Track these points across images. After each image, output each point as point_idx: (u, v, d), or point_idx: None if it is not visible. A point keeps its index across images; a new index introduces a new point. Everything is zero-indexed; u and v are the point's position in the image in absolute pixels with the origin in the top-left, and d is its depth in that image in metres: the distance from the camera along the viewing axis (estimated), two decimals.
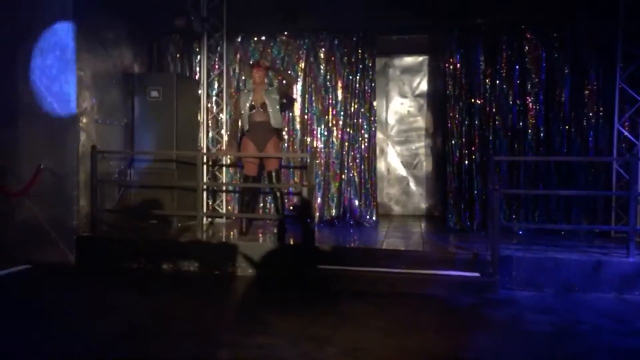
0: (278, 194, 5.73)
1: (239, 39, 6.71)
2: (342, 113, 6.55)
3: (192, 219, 6.17)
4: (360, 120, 6.52)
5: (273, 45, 6.66)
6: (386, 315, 3.91)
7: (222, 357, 3.15)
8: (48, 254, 5.40)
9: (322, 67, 6.58)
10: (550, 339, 3.47)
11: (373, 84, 6.54)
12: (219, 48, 6.63)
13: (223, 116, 6.65)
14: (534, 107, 6.07)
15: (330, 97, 6.57)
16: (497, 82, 6.13)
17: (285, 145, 6.67)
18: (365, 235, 5.94)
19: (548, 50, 6.01)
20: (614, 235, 5.77)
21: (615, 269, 4.53)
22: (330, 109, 6.58)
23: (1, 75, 5.44)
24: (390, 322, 3.76)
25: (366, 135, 6.52)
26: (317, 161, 6.35)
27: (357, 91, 6.51)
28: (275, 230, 5.85)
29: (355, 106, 6.52)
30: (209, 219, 6.56)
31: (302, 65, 6.61)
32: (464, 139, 6.20)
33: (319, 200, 6.45)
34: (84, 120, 5.58)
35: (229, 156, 6.56)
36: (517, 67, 6.08)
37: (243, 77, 6.68)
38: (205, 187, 6.32)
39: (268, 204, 6.64)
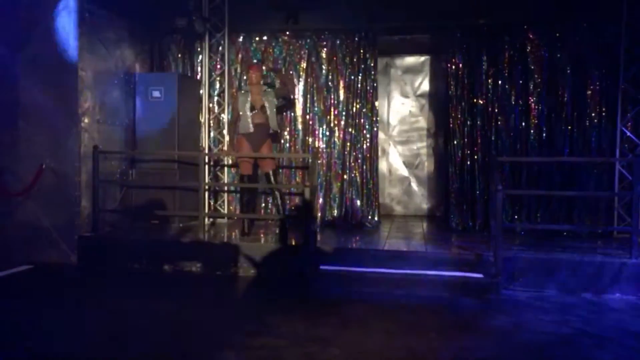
0: (277, 194, 5.72)
1: (241, 39, 6.70)
2: (343, 113, 6.54)
3: (193, 219, 6.18)
4: (362, 120, 6.51)
5: (275, 45, 6.65)
6: (389, 316, 3.90)
7: (226, 359, 3.14)
8: (50, 254, 5.39)
9: (323, 67, 6.57)
10: (554, 341, 3.46)
11: (375, 84, 6.53)
12: (220, 48, 6.62)
13: (225, 116, 6.64)
14: (536, 107, 6.06)
15: (332, 97, 6.56)
16: (500, 82, 6.12)
17: (287, 145, 6.66)
18: (367, 235, 5.93)
19: (550, 51, 6.00)
20: (617, 236, 5.76)
21: (619, 270, 4.52)
22: (332, 109, 6.57)
23: (2, 75, 5.42)
24: (393, 323, 3.75)
25: (368, 136, 6.51)
26: (318, 161, 6.34)
27: (359, 91, 6.50)
28: (277, 231, 5.84)
29: (357, 106, 6.51)
30: (211, 219, 6.55)
31: (304, 65, 6.60)
32: (466, 139, 6.19)
33: (320, 200, 6.44)
34: (86, 120, 5.57)
35: (230, 156, 6.55)
36: (520, 67, 6.07)
37: (245, 77, 6.66)
38: (207, 187, 6.31)
39: (269, 204, 6.63)
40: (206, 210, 6.10)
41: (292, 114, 6.63)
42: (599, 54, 5.90)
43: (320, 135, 6.61)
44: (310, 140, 6.61)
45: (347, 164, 6.52)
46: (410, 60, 7.53)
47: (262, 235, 5.78)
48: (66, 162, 5.43)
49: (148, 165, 6.26)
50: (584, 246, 5.26)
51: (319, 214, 6.35)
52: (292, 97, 6.36)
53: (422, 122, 7.55)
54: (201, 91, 6.67)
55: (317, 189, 6.04)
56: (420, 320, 3.83)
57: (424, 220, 7.04)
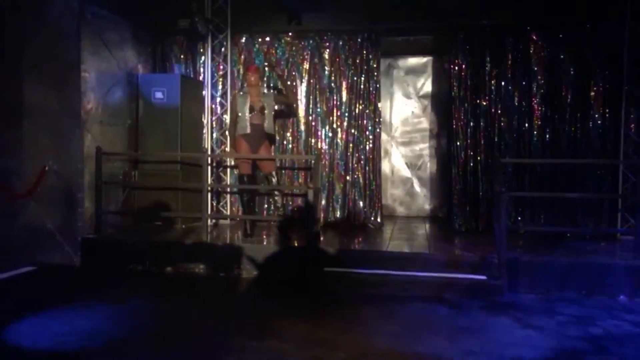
0: (277, 194, 5.71)
1: (243, 40, 6.69)
2: (346, 114, 6.54)
3: (196, 220, 6.17)
4: (364, 121, 6.50)
5: (277, 46, 6.64)
6: (394, 319, 3.90)
7: None
8: (53, 255, 5.39)
9: (326, 68, 6.56)
10: (565, 346, 3.45)
11: (378, 85, 6.52)
12: (223, 49, 6.61)
13: (227, 117, 6.63)
14: (540, 108, 6.04)
15: (335, 98, 6.56)
16: (503, 83, 6.11)
17: (290, 146, 6.65)
18: (370, 237, 5.93)
19: (554, 52, 5.99)
20: (620, 237, 5.75)
21: (623, 272, 4.51)
22: (335, 110, 6.56)
23: (6, 77, 5.43)
24: (398, 326, 3.74)
25: (370, 137, 6.50)
26: (321, 162, 6.33)
27: (361, 92, 6.49)
28: (278, 233, 5.82)
29: (360, 107, 6.50)
30: (213, 221, 6.55)
31: (307, 66, 6.59)
32: (469, 141, 6.18)
33: (323, 201, 6.43)
34: (89, 121, 5.57)
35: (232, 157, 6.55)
36: (523, 68, 6.05)
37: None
38: (209, 188, 6.31)
39: (272, 206, 6.62)
40: (209, 212, 6.09)
41: (295, 116, 6.62)
42: (602, 55, 5.88)
43: (323, 137, 6.60)
44: (313, 141, 6.60)
45: (350, 165, 6.51)
46: (413, 61, 7.52)
47: (264, 237, 5.78)
48: (69, 164, 5.43)
49: (151, 167, 6.25)
50: (587, 248, 5.25)
51: (322, 215, 6.34)
52: (293, 104, 6.33)
53: (425, 123, 7.54)
54: (204, 92, 6.66)
55: (320, 191, 6.03)
56: (426, 323, 3.83)
57: (426, 222, 7.03)
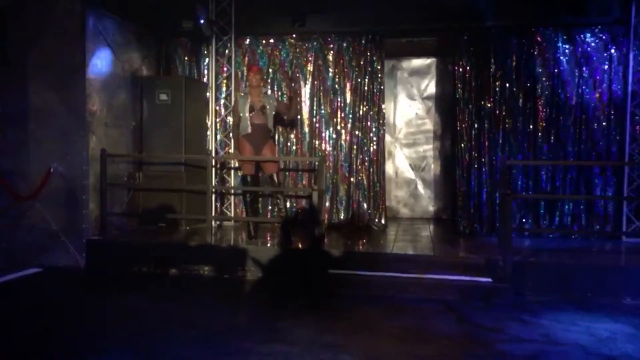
0: (280, 197, 5.70)
1: (247, 42, 6.70)
2: (350, 116, 6.54)
3: (200, 222, 6.18)
4: (368, 123, 6.50)
5: (281, 48, 6.65)
6: (399, 321, 3.89)
7: None
8: (58, 257, 5.40)
9: (330, 70, 6.56)
10: (570, 352, 3.45)
11: (382, 87, 6.52)
12: (227, 51, 6.62)
13: (231, 119, 6.63)
14: (544, 110, 6.04)
15: (339, 99, 6.56)
16: (507, 84, 6.11)
17: (294, 148, 6.65)
18: (375, 238, 5.92)
19: (558, 53, 5.98)
20: (626, 239, 5.73)
21: (629, 275, 4.50)
22: (339, 112, 6.56)
23: (11, 79, 5.43)
24: (404, 328, 3.74)
25: (375, 138, 6.50)
26: (325, 164, 6.33)
27: (365, 94, 6.49)
28: (280, 234, 5.80)
29: (364, 109, 6.50)
30: (217, 222, 6.56)
31: (311, 67, 6.59)
32: (473, 142, 6.18)
33: (327, 203, 6.43)
34: (94, 123, 5.58)
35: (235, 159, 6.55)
36: (527, 69, 6.05)
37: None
38: (214, 190, 6.31)
39: (276, 208, 6.61)
40: (213, 213, 6.08)
41: (299, 117, 6.62)
42: (607, 56, 5.88)
43: (327, 138, 6.60)
44: (317, 143, 6.60)
45: (354, 166, 6.51)
46: (417, 62, 7.52)
47: (268, 239, 5.78)
48: (74, 165, 5.44)
49: (155, 168, 6.27)
50: (592, 250, 5.24)
51: (326, 217, 6.34)
52: (291, 119, 6.26)
53: (429, 125, 7.54)
54: (208, 94, 6.67)
55: (325, 192, 6.03)
56: (432, 325, 3.82)
57: (430, 223, 7.03)
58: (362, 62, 6.49)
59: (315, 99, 6.59)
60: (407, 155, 7.60)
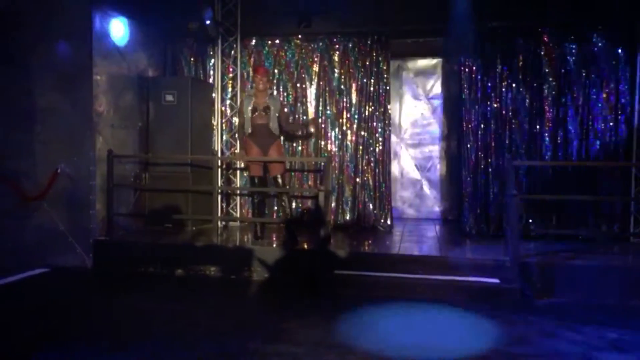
0: (284, 198, 5.71)
1: (253, 43, 6.71)
2: (356, 116, 6.53)
3: (206, 222, 6.19)
4: (374, 123, 6.50)
5: (287, 48, 6.65)
6: (406, 322, 3.89)
7: None
8: (65, 257, 5.42)
9: (336, 71, 6.56)
10: (573, 348, 3.43)
11: (387, 87, 6.51)
12: (232, 52, 6.63)
13: (237, 120, 6.65)
14: (551, 110, 6.01)
15: (344, 100, 6.56)
16: (514, 85, 6.08)
17: (299, 148, 6.65)
18: (380, 239, 5.91)
19: (565, 54, 5.95)
20: (633, 240, 5.70)
21: (637, 276, 4.47)
22: (345, 112, 6.56)
23: (18, 80, 5.46)
24: (411, 330, 3.73)
25: (380, 139, 6.49)
26: (331, 165, 6.32)
27: (371, 94, 6.49)
28: (285, 235, 5.80)
29: (370, 109, 6.50)
30: (223, 223, 6.56)
31: (316, 68, 6.59)
32: (479, 143, 6.15)
33: (332, 204, 6.42)
34: (100, 124, 5.61)
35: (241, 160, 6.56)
36: (534, 70, 6.02)
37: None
38: (220, 190, 6.32)
39: (281, 209, 6.60)
40: (219, 214, 6.11)
41: (305, 117, 6.63)
42: (614, 57, 5.84)
43: (333, 139, 6.60)
44: (323, 143, 6.60)
45: (360, 167, 6.51)
46: (422, 62, 7.51)
47: (274, 239, 5.78)
48: (81, 166, 5.46)
49: (161, 169, 6.29)
50: (599, 251, 5.21)
51: (331, 218, 6.33)
52: (288, 132, 6.24)
53: (434, 125, 7.53)
54: (213, 95, 6.69)
55: (331, 193, 6.02)
56: (441, 327, 3.81)
57: (436, 224, 7.01)
58: (367, 63, 6.48)
59: (321, 99, 6.59)
60: (412, 156, 7.59)
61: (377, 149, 6.49)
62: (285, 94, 6.62)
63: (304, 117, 6.63)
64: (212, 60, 6.73)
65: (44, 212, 5.46)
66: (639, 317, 4.06)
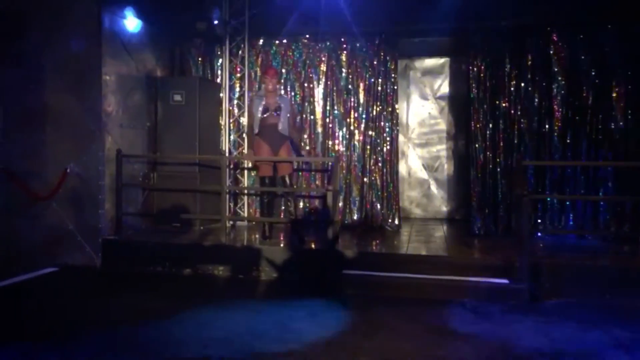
0: (290, 198, 5.71)
1: (261, 43, 6.71)
2: (363, 116, 6.53)
3: (214, 222, 6.20)
4: (382, 123, 6.49)
5: (294, 48, 6.66)
6: (416, 322, 3.87)
7: None
8: (74, 257, 5.46)
9: (343, 70, 6.56)
10: (581, 350, 3.41)
11: (395, 87, 6.50)
12: (240, 52, 6.64)
13: (244, 119, 6.66)
14: (560, 110, 5.98)
15: (352, 100, 6.55)
16: (523, 84, 6.05)
17: (307, 148, 6.65)
18: (388, 239, 5.90)
19: (574, 53, 5.92)
20: None
21: None
22: (352, 112, 6.55)
23: (28, 80, 5.49)
24: (420, 330, 3.72)
25: (388, 139, 6.48)
26: (339, 164, 6.32)
27: (378, 94, 6.48)
28: (295, 234, 5.81)
29: (377, 109, 6.49)
30: (231, 222, 6.57)
31: (324, 68, 6.59)
32: (488, 142, 6.13)
33: (340, 203, 6.41)
34: (109, 124, 5.63)
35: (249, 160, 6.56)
36: (543, 69, 5.99)
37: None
38: (228, 190, 6.33)
39: (287, 208, 6.61)
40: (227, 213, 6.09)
41: (312, 117, 6.63)
42: (624, 56, 5.80)
43: (340, 138, 6.60)
44: (330, 143, 6.59)
45: (367, 167, 6.50)
46: (430, 62, 7.49)
47: (282, 239, 5.78)
48: (90, 166, 5.48)
49: (169, 168, 6.31)
50: (610, 251, 5.18)
51: (339, 217, 6.32)
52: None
53: (442, 125, 7.50)
54: (221, 94, 6.70)
55: (339, 193, 6.02)
56: (449, 327, 3.79)
57: (443, 224, 6.99)
58: (375, 62, 6.48)
59: (328, 99, 6.59)
60: (420, 156, 7.57)
61: (384, 149, 6.47)
62: (292, 93, 6.62)
63: (312, 117, 6.63)
64: (220, 60, 6.74)
65: (54, 211, 5.50)
66: None
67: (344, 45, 6.54)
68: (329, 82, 6.59)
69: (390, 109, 6.48)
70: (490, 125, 6.13)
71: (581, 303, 4.34)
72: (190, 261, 5.30)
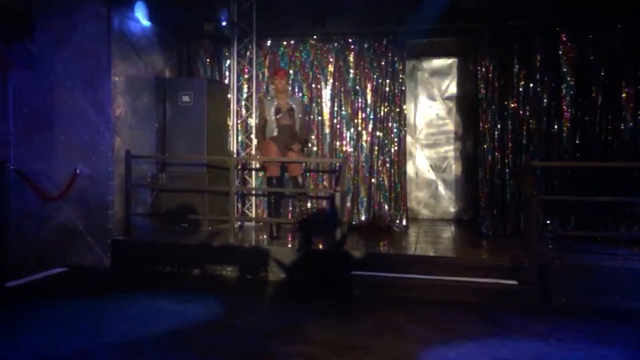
0: (302, 199, 5.69)
1: (268, 44, 6.73)
2: (371, 117, 6.52)
3: (222, 222, 6.22)
4: (389, 123, 6.48)
5: (302, 49, 6.67)
6: (423, 323, 3.87)
7: None
8: (84, 257, 5.51)
9: (351, 71, 6.56)
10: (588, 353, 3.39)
11: (403, 88, 6.49)
12: (248, 53, 6.66)
13: (252, 120, 6.68)
14: (569, 110, 5.94)
15: (360, 100, 6.55)
16: (531, 84, 6.03)
17: (315, 149, 6.66)
18: (396, 240, 5.89)
19: (583, 53, 5.88)
20: None
21: None
22: (360, 113, 6.55)
23: (37, 81, 5.55)
24: (428, 331, 3.72)
25: (395, 139, 6.47)
26: (347, 165, 6.32)
27: (386, 94, 6.47)
28: (303, 235, 5.80)
29: (385, 110, 6.48)
30: (239, 223, 6.59)
31: (331, 69, 6.60)
32: (496, 143, 6.11)
33: (348, 204, 6.41)
34: (118, 125, 5.66)
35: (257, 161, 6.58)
36: (552, 69, 5.96)
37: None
38: (236, 191, 6.34)
39: (297, 209, 6.62)
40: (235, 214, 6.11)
41: (320, 118, 6.64)
42: (632, 56, 5.75)
43: (348, 139, 6.60)
44: (338, 144, 6.60)
45: (375, 167, 6.50)
46: (438, 62, 7.47)
47: (290, 240, 5.79)
48: (99, 167, 5.53)
49: (178, 169, 6.34)
50: (619, 252, 5.13)
51: (347, 218, 6.32)
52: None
53: (450, 125, 7.48)
54: (229, 95, 6.72)
55: (347, 194, 6.03)
56: (457, 329, 3.79)
57: (451, 225, 6.97)
58: (382, 63, 6.47)
59: (336, 100, 6.60)
60: (427, 156, 7.56)
61: (392, 150, 6.47)
62: (300, 94, 6.63)
63: (319, 118, 6.63)
64: (228, 61, 6.77)
65: (63, 212, 5.55)
66: None
67: (352, 46, 6.55)
68: (336, 83, 6.59)
69: (397, 110, 6.47)
70: (499, 126, 6.11)
71: (590, 304, 4.32)
72: (199, 261, 5.33)
